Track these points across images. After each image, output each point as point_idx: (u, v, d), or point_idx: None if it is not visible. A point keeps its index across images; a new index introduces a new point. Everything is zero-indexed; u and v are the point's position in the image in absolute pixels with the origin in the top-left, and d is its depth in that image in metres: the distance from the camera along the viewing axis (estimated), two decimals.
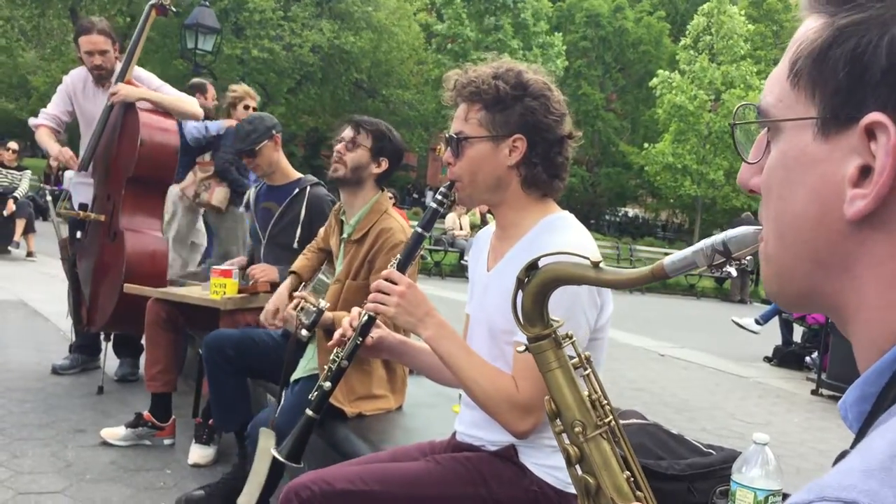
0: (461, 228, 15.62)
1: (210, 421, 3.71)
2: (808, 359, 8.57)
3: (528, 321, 1.04)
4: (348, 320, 2.01)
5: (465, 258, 14.60)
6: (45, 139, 4.77)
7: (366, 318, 1.98)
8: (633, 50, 35.03)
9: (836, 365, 7.02)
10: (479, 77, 1.91)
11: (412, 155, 39.79)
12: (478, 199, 2.02)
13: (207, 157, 6.08)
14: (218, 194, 5.92)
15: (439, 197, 2.02)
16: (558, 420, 1.01)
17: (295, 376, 3.12)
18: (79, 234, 4.80)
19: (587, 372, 1.04)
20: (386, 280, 1.92)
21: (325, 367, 2.05)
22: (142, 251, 4.48)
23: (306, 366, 3.13)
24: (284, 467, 2.95)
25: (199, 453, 3.78)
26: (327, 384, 2.02)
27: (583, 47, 33.96)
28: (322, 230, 3.42)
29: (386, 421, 3.03)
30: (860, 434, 0.64)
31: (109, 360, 4.86)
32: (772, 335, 9.28)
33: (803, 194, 0.68)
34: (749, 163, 0.76)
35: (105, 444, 3.87)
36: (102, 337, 4.84)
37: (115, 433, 3.90)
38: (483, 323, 1.99)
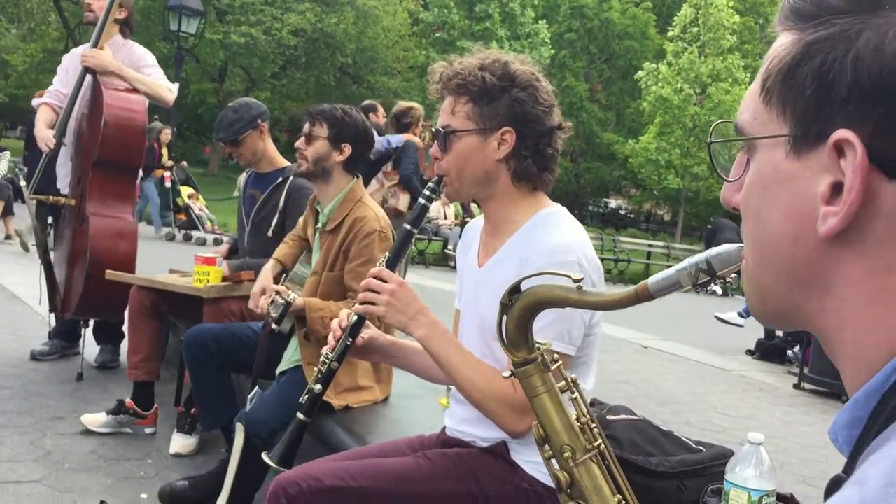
0: (445, 217, 15.56)
1: (192, 410, 3.66)
2: (790, 352, 8.60)
3: (512, 345, 1.01)
4: (337, 322, 1.97)
5: (450, 247, 14.57)
6: (38, 119, 4.66)
7: (355, 318, 1.93)
8: (618, 41, 35.03)
9: (818, 359, 7.04)
10: (465, 69, 1.87)
11: None
12: (466, 193, 1.98)
13: (389, 166, 7.00)
14: (403, 201, 6.86)
15: (427, 192, 1.98)
16: (547, 445, 0.99)
17: (280, 368, 3.08)
18: (50, 220, 4.71)
19: (574, 395, 1.03)
20: (375, 278, 1.88)
21: (315, 369, 2.00)
22: (108, 236, 4.37)
23: (290, 357, 3.09)
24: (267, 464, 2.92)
25: (181, 443, 3.72)
26: (318, 387, 1.97)
27: (568, 39, 33.91)
28: (301, 219, 3.37)
29: (372, 413, 2.99)
30: (851, 459, 0.63)
31: (89, 347, 4.79)
32: (754, 328, 9.33)
33: (779, 213, 0.67)
34: (728, 181, 0.76)
35: (85, 432, 3.81)
36: (81, 323, 4.76)
37: (96, 420, 3.84)
38: (474, 320, 1.96)
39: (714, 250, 0.86)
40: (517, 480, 1.86)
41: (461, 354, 1.83)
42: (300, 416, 1.96)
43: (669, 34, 28.93)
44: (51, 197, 4.55)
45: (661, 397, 6.21)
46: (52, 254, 4.91)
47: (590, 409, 1.03)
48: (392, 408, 3.11)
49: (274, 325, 2.90)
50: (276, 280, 3.26)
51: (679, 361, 7.97)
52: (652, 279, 0.89)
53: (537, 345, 1.01)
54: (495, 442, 1.90)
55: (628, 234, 28.60)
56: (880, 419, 0.60)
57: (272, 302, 2.88)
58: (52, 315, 4.96)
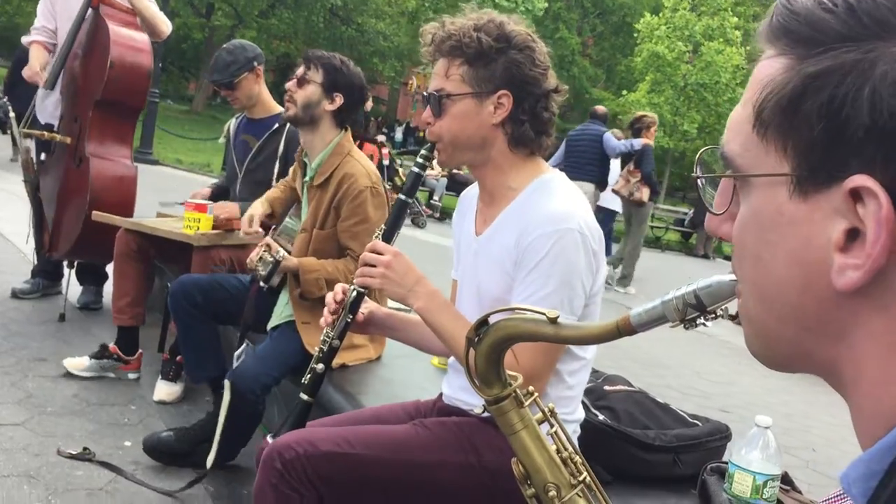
0: (431, 168, 15.45)
1: (178, 357, 3.60)
2: None
3: (483, 383, 0.93)
4: (331, 296, 1.91)
5: (435, 198, 14.50)
6: (33, 56, 4.49)
7: (354, 294, 1.88)
8: None
9: None
10: (460, 30, 1.79)
11: (384, 88, 39.23)
12: (460, 159, 1.91)
13: (632, 165, 8.96)
14: (644, 194, 8.99)
15: (420, 160, 1.92)
16: (529, 484, 0.92)
17: (272, 324, 3.03)
18: (43, 157, 4.59)
19: (554, 429, 0.95)
20: (371, 252, 1.83)
21: (317, 348, 1.95)
22: (109, 179, 4.28)
23: (281, 313, 3.03)
24: (258, 421, 2.89)
25: (165, 390, 3.67)
26: (320, 366, 1.93)
27: None
28: (292, 169, 3.29)
29: (365, 372, 2.96)
30: None
31: (72, 287, 4.69)
32: None
33: (784, 257, 0.61)
34: (715, 214, 0.69)
35: (67, 375, 3.75)
36: (65, 263, 4.66)
37: (79, 364, 3.77)
38: (472, 290, 1.91)
39: (702, 283, 0.78)
40: None
41: (460, 324, 1.78)
42: (303, 396, 1.92)
43: None
44: (45, 133, 4.41)
45: (645, 360, 6.22)
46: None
47: (571, 439, 0.96)
48: (385, 368, 3.07)
49: (262, 284, 2.85)
50: (265, 227, 3.18)
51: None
52: (634, 312, 0.82)
53: (509, 379, 0.93)
54: None
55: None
56: None
57: (261, 258, 2.82)
58: (35, 253, 4.87)
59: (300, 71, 3.00)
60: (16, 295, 4.83)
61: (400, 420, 2.03)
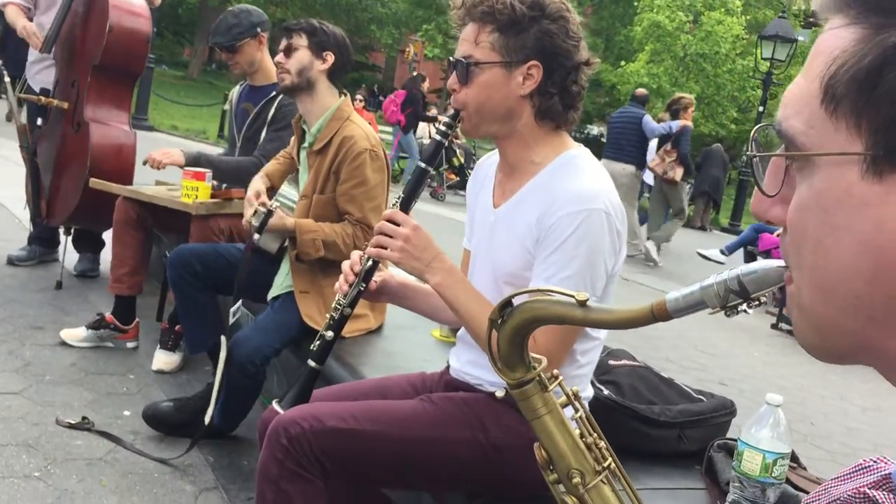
0: (456, 137, 15.33)
1: (177, 327, 3.58)
2: None
3: (506, 365, 0.89)
4: (349, 265, 1.87)
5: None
6: (13, 16, 4.42)
7: (369, 263, 1.83)
8: None
9: None
10: None
11: (380, 55, 38.90)
12: (484, 130, 1.85)
13: (669, 145, 9.33)
14: (678, 173, 9.39)
15: (443, 128, 1.86)
16: (552, 469, 0.89)
17: (272, 293, 3.00)
18: (39, 122, 4.52)
19: (579, 413, 0.91)
20: (389, 222, 1.78)
21: (328, 315, 1.91)
22: (108, 145, 4.23)
23: (282, 282, 3.00)
24: (258, 392, 2.87)
25: (163, 359, 3.65)
26: (329, 333, 1.88)
27: None
28: (293, 138, 3.25)
29: (365, 343, 2.93)
30: None
31: (68, 254, 4.65)
32: (734, 265, 9.36)
33: (851, 243, 0.56)
34: (769, 196, 0.64)
35: (65, 344, 3.71)
36: (62, 230, 4.62)
37: (76, 334, 3.74)
38: (487, 263, 1.87)
39: (747, 268, 0.73)
40: (525, 429, 1.79)
41: (479, 303, 1.74)
42: (311, 363, 1.88)
43: None
44: (42, 98, 4.35)
45: (642, 332, 6.17)
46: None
47: (595, 424, 0.93)
48: (385, 339, 3.05)
49: (255, 235, 2.81)
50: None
51: (660, 296, 7.99)
52: (671, 296, 0.77)
53: (534, 363, 0.90)
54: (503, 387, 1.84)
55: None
56: None
57: (255, 213, 2.79)
58: (31, 220, 4.82)
59: (283, 43, 2.98)
60: (12, 262, 4.79)
61: (405, 393, 2.01)
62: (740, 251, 9.23)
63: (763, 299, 0.70)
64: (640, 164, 9.37)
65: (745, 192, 17.17)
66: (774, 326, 7.35)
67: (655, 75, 25.59)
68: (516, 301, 0.87)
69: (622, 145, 9.20)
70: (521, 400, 0.88)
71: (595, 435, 0.89)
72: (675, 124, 9.23)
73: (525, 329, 0.86)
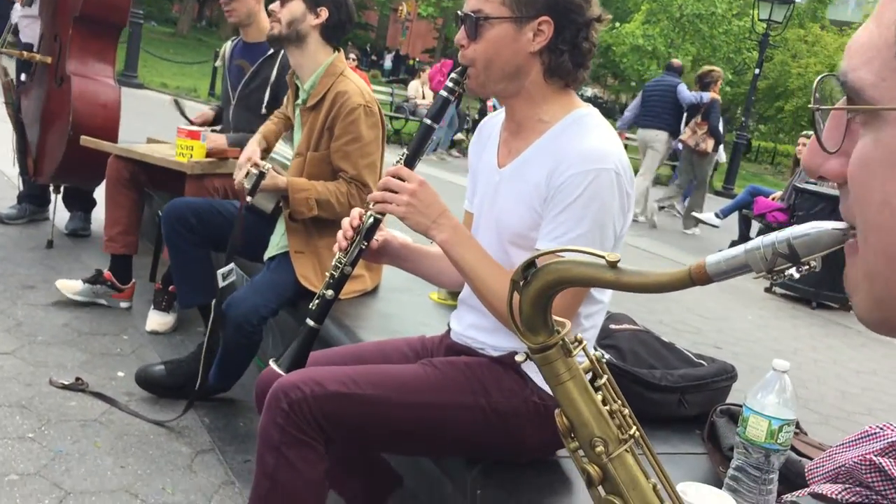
0: (423, 97, 15.20)
1: (171, 287, 3.54)
2: None
3: (528, 329, 0.84)
4: (348, 221, 1.82)
5: None
6: None
7: (371, 220, 1.78)
8: None
9: None
10: None
11: (373, 14, 38.43)
12: (492, 88, 1.80)
13: (700, 117, 9.52)
14: (709, 145, 9.58)
15: (450, 84, 1.79)
16: (573, 437, 0.85)
17: (268, 254, 2.96)
18: (24, 77, 4.43)
19: (603, 380, 0.87)
20: (394, 177, 1.73)
21: (327, 273, 1.86)
22: (91, 99, 4.15)
23: (277, 243, 2.96)
24: (255, 352, 2.84)
25: (157, 320, 3.62)
26: (329, 292, 1.84)
27: None
28: (286, 97, 3.18)
29: (362, 305, 2.90)
30: None
31: (59, 213, 4.59)
32: (728, 229, 9.38)
33: None
34: (830, 153, 0.59)
35: (57, 303, 3.68)
36: (52, 188, 4.55)
37: (72, 287, 3.70)
38: (491, 223, 1.83)
39: (796, 230, 0.67)
40: (527, 394, 1.79)
41: (485, 261, 1.71)
42: (310, 322, 1.84)
43: None
44: (24, 53, 4.25)
45: (637, 295, 6.21)
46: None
47: (619, 391, 0.89)
48: (382, 301, 3.02)
49: (248, 198, 2.77)
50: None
51: (655, 259, 7.97)
52: (712, 260, 0.71)
53: (557, 326, 0.85)
54: (506, 351, 1.81)
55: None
56: None
57: (247, 174, 2.74)
58: (21, 178, 4.75)
59: None
60: (2, 220, 4.73)
61: (406, 357, 1.98)
62: (734, 214, 9.26)
63: (813, 263, 0.65)
64: (675, 132, 9.67)
65: (738, 155, 17.09)
66: (768, 290, 7.35)
67: (651, 36, 25.37)
68: (539, 262, 0.83)
69: (658, 113, 9.56)
70: (543, 365, 0.84)
71: (619, 402, 0.85)
72: (706, 95, 9.51)
73: (550, 290, 0.81)
